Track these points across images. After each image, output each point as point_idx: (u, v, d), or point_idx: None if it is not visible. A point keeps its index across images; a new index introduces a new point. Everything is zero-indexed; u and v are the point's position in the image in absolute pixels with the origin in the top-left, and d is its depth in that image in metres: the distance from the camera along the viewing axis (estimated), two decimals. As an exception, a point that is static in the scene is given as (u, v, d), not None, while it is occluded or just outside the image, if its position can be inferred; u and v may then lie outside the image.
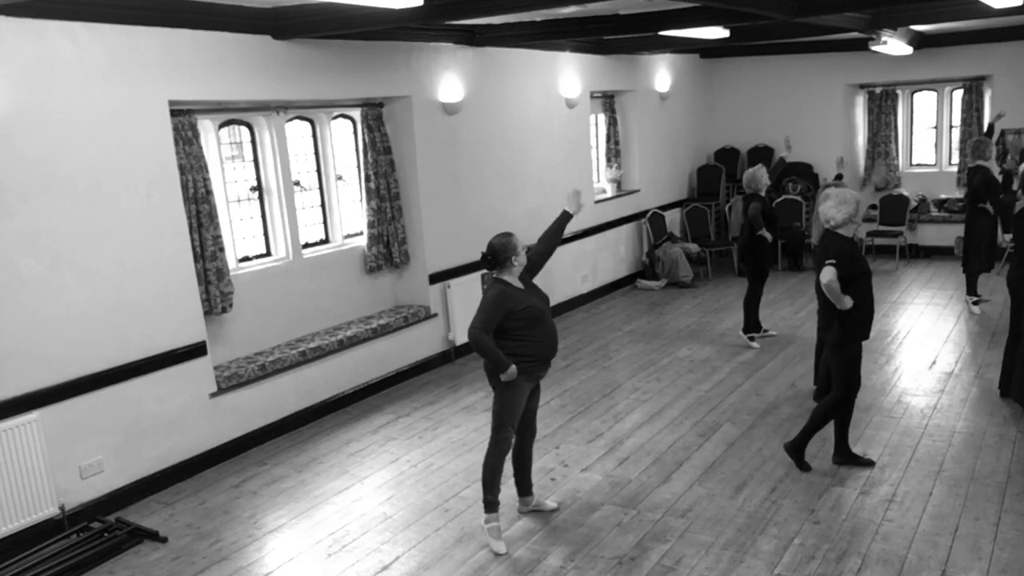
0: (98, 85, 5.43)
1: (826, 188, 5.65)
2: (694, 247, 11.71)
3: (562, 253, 10.19)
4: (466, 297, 8.56)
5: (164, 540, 5.24)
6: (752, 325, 8.52)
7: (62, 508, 5.34)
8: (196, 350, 6.14)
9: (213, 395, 6.29)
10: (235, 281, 6.73)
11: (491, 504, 4.97)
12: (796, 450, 5.70)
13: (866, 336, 5.42)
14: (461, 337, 8.54)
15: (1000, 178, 8.90)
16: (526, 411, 5.08)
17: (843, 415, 5.65)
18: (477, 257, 8.67)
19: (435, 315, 8.33)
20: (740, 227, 8.52)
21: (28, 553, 5.00)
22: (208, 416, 6.26)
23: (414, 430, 6.81)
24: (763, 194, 8.10)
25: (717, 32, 8.51)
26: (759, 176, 8.08)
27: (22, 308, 5.10)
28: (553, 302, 9.95)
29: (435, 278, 8.27)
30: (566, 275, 10.33)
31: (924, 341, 8.34)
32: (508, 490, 5.63)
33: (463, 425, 6.85)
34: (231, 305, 6.55)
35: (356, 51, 7.29)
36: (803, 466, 5.67)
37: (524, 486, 5.32)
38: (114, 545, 5.13)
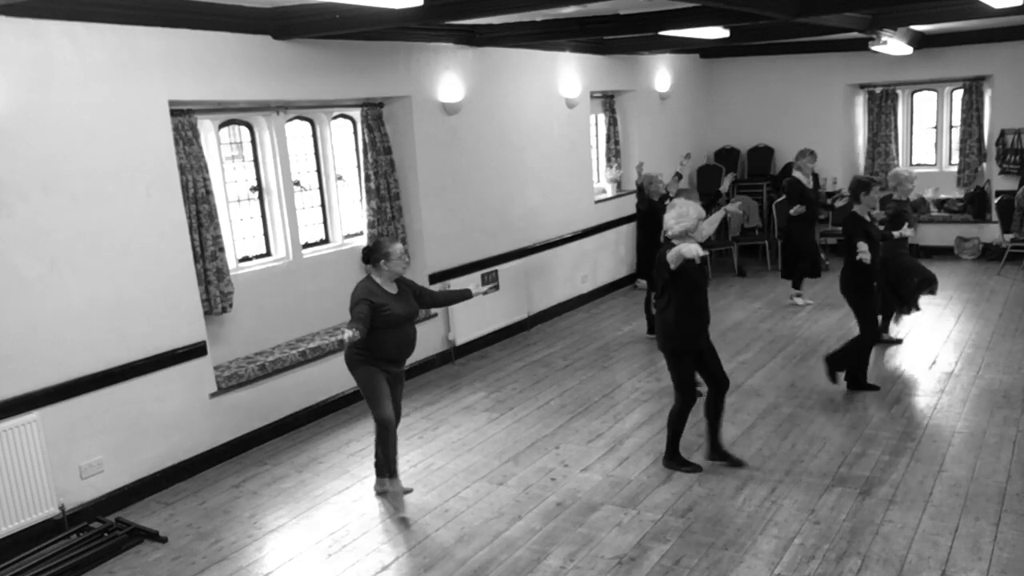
0: (98, 85, 5.42)
1: (675, 198, 6.34)
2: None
3: (562, 253, 10.22)
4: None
5: (164, 540, 5.24)
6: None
7: (62, 508, 5.34)
8: (196, 350, 6.14)
9: (213, 395, 6.29)
10: (235, 281, 6.73)
11: (392, 472, 5.49)
12: (671, 457, 5.81)
13: (694, 346, 5.49)
14: (461, 337, 8.55)
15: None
16: (393, 397, 5.42)
17: (680, 421, 5.73)
18: (477, 257, 8.84)
19: (435, 315, 8.33)
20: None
21: (28, 553, 4.99)
22: (208, 416, 6.26)
23: (414, 430, 6.81)
24: (655, 199, 8.55)
25: (717, 32, 8.51)
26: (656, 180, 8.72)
27: (22, 308, 5.10)
28: (553, 302, 10.09)
29: (435, 278, 8.26)
30: (566, 275, 10.34)
31: (924, 341, 8.34)
32: (511, 492, 5.63)
33: (463, 425, 6.85)
34: (231, 305, 6.55)
35: (356, 51, 7.29)
36: (689, 466, 5.76)
37: (383, 469, 5.62)
38: (114, 545, 5.12)
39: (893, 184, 8.04)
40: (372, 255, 5.29)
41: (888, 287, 7.76)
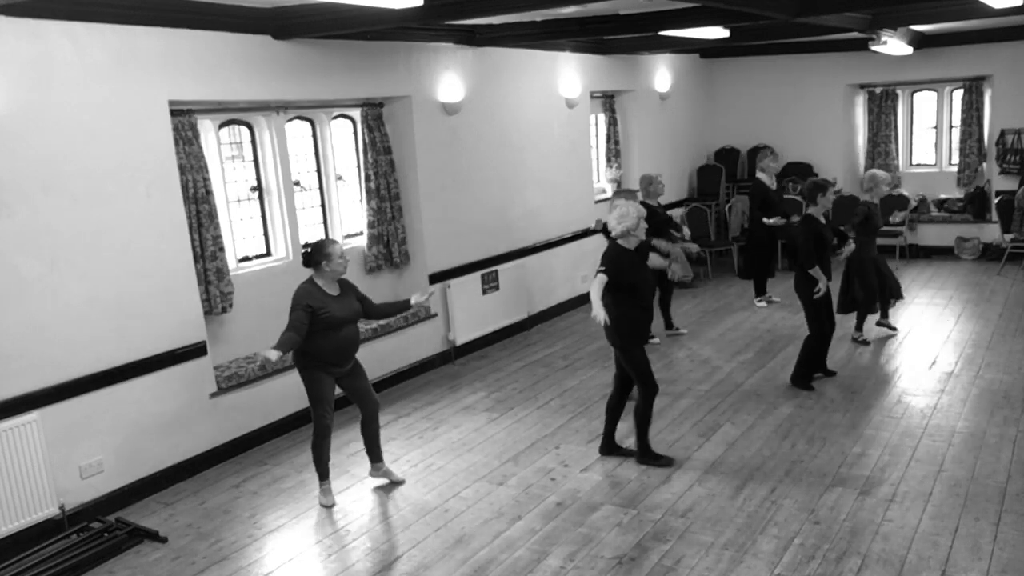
0: (98, 85, 5.42)
1: (617, 197, 6.55)
2: (694, 247, 11.67)
3: (562, 253, 10.22)
4: (466, 297, 8.57)
5: (164, 540, 5.24)
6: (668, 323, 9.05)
7: (62, 508, 5.34)
8: (196, 350, 6.14)
9: (213, 395, 6.29)
10: (235, 281, 6.73)
11: (322, 476, 5.60)
12: (644, 453, 5.87)
13: (645, 340, 5.82)
14: (461, 337, 8.55)
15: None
16: (355, 390, 5.61)
17: (648, 412, 5.84)
18: (477, 257, 8.84)
19: (435, 315, 8.33)
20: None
21: (28, 553, 5.00)
22: (208, 416, 6.26)
23: (414, 430, 6.81)
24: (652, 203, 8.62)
25: (717, 32, 8.51)
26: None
27: (22, 308, 5.10)
28: (553, 302, 10.09)
29: (435, 278, 8.26)
30: (566, 275, 10.33)
31: (924, 341, 8.34)
32: (511, 492, 5.63)
33: (463, 425, 6.85)
34: (231, 305, 6.55)
35: (356, 51, 7.29)
36: (663, 459, 5.87)
37: (373, 454, 5.82)
38: (114, 545, 5.13)
39: (868, 185, 8.17)
40: (312, 257, 5.30)
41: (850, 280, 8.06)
